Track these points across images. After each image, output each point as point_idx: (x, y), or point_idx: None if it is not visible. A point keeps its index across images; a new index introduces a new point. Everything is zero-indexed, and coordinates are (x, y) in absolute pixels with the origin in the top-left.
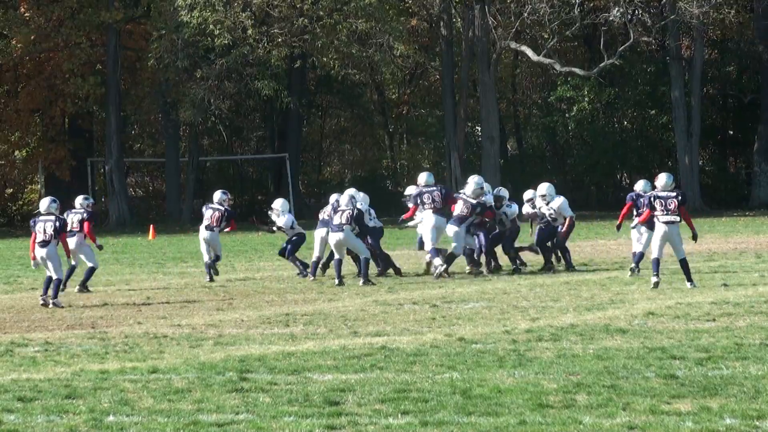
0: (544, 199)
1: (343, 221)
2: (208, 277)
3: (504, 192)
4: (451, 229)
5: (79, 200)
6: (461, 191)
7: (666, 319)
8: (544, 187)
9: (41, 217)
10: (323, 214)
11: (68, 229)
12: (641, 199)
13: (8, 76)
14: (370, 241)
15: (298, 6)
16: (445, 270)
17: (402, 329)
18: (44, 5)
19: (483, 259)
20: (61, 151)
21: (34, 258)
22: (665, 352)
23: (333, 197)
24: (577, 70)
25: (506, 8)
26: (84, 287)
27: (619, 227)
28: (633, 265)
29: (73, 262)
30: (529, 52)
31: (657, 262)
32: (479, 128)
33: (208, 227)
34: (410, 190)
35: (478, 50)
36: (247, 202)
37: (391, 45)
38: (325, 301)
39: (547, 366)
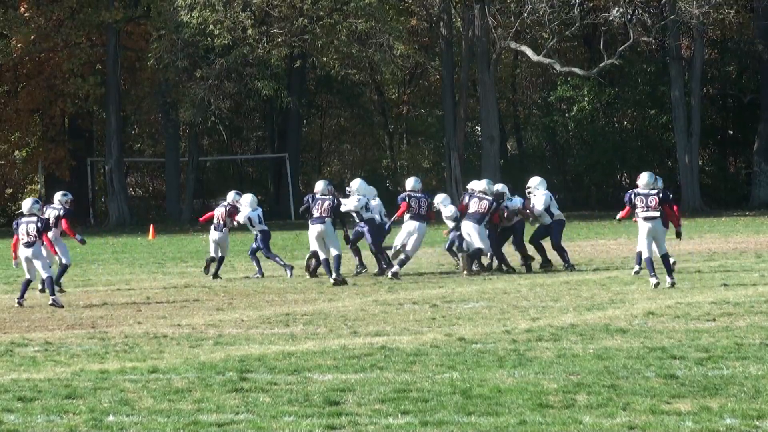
0: (529, 193)
1: (324, 213)
2: (206, 269)
3: (503, 188)
4: (468, 226)
5: (57, 196)
6: (471, 190)
7: (666, 319)
8: (534, 181)
9: (24, 219)
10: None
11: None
12: (639, 197)
13: (8, 76)
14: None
15: (297, 6)
16: (477, 268)
17: (402, 329)
18: (44, 5)
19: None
20: (60, 151)
21: (16, 258)
22: (665, 352)
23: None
24: (576, 70)
25: (506, 8)
26: (57, 284)
27: (620, 221)
28: (636, 266)
29: (64, 261)
30: (529, 52)
31: (650, 262)
32: (479, 128)
33: (216, 227)
34: (438, 199)
35: (477, 50)
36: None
37: (390, 45)
38: (325, 301)
39: (547, 366)
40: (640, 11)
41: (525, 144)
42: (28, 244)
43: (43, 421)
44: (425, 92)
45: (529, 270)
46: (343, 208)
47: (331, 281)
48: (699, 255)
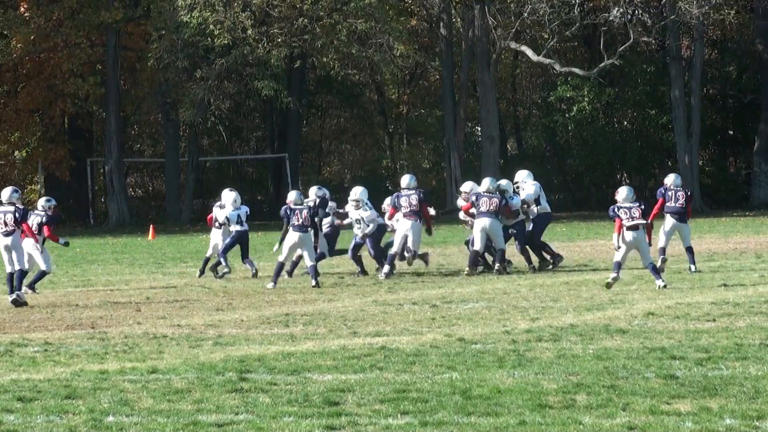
0: (517, 187)
1: (305, 222)
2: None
3: (507, 184)
4: (483, 223)
5: (41, 202)
6: (471, 191)
7: (666, 320)
8: (521, 174)
9: (1, 208)
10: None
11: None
12: (670, 192)
13: (8, 76)
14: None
15: (297, 6)
16: (505, 267)
17: (402, 329)
18: (44, 5)
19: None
20: (60, 151)
21: None
22: (665, 353)
23: (313, 191)
24: (576, 70)
25: (506, 8)
26: (32, 287)
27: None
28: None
29: (44, 267)
30: (529, 52)
31: (618, 265)
32: (479, 128)
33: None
34: (466, 187)
35: (477, 50)
36: (246, 202)
37: (390, 45)
38: (324, 301)
39: (547, 366)
40: (640, 11)
41: (525, 144)
42: (7, 233)
43: (43, 422)
44: (425, 92)
45: (535, 270)
46: (367, 230)
47: (312, 285)
48: (699, 255)
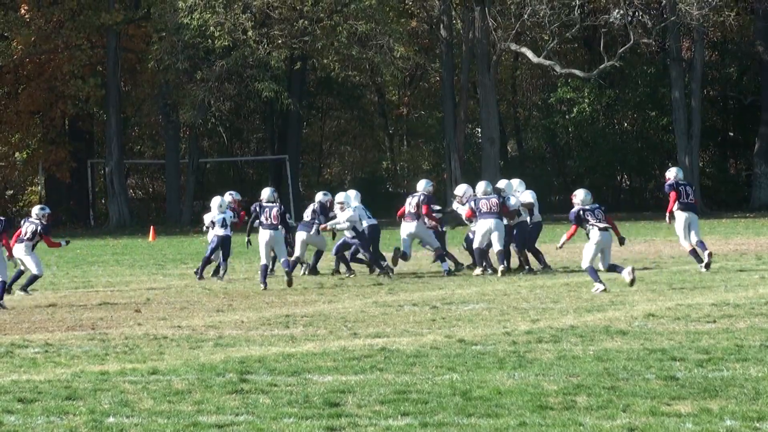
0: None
1: (274, 220)
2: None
3: (507, 185)
4: (488, 224)
5: (35, 210)
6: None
7: (666, 321)
8: (514, 183)
9: None
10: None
11: (22, 237)
12: (681, 187)
13: (8, 77)
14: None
15: (298, 8)
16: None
17: (402, 331)
18: (44, 7)
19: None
20: (61, 152)
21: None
22: (665, 354)
23: (318, 196)
24: (577, 72)
25: (506, 10)
26: (25, 289)
27: (670, 218)
28: (704, 263)
29: (36, 271)
30: (529, 54)
31: (592, 270)
32: (479, 130)
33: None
34: (459, 191)
35: (478, 52)
36: (247, 204)
37: (391, 47)
38: (325, 302)
39: (548, 367)
40: (641, 13)
41: (525, 146)
42: None
43: (44, 423)
44: (425, 94)
45: (531, 271)
46: (337, 226)
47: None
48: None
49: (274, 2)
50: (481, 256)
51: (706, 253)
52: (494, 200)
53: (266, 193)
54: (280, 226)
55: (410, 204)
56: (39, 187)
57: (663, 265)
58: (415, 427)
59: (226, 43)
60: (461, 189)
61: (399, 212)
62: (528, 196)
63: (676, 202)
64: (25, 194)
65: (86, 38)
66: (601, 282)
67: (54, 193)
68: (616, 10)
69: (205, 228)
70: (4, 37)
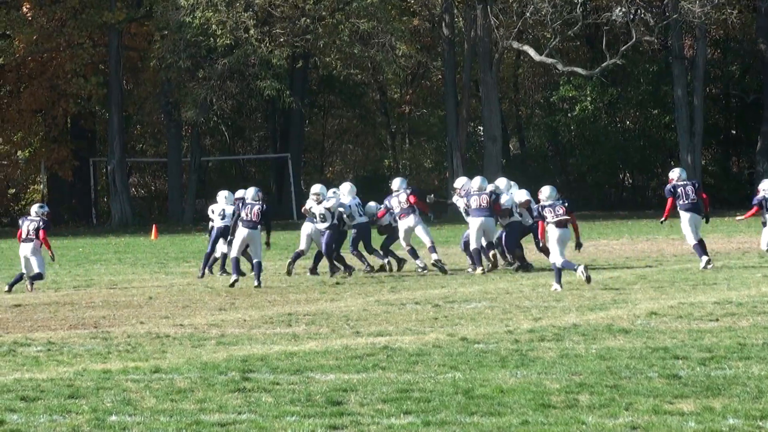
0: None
1: (254, 218)
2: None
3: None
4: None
5: (34, 208)
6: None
7: (669, 319)
8: (501, 182)
9: None
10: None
11: (25, 236)
12: (680, 188)
13: (11, 76)
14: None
15: (300, 6)
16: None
17: (404, 329)
18: (47, 5)
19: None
20: (63, 151)
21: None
22: (668, 352)
23: (314, 188)
24: (579, 70)
25: (508, 8)
26: (31, 284)
27: (663, 222)
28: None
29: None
30: (532, 52)
31: (559, 272)
32: (481, 128)
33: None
34: (459, 183)
35: (480, 50)
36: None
37: (393, 45)
38: (327, 300)
39: (550, 366)
40: (643, 11)
41: (527, 144)
42: None
43: (46, 421)
44: (427, 92)
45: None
46: (319, 212)
47: (255, 285)
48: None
49: (276, 0)
50: (479, 254)
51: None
52: (485, 197)
53: (250, 192)
54: (259, 226)
55: (400, 202)
56: (41, 186)
57: (665, 263)
58: (417, 425)
59: (228, 42)
60: (461, 182)
61: (380, 214)
62: (523, 195)
63: (677, 204)
64: (28, 193)
65: (88, 37)
66: (560, 284)
67: (56, 192)
68: (618, 8)
69: (211, 225)
70: (6, 35)
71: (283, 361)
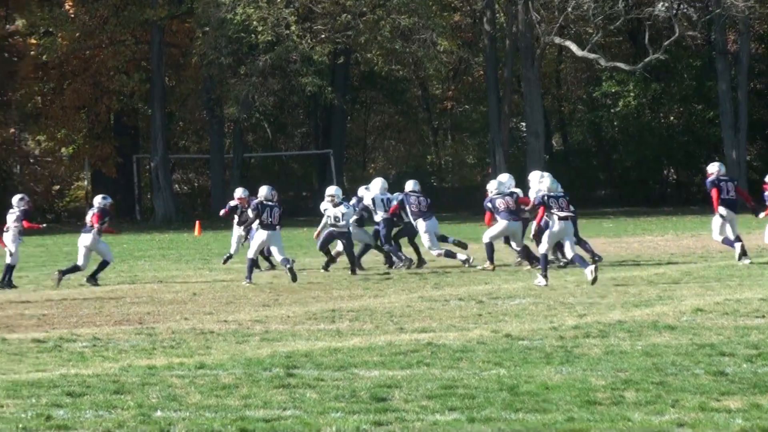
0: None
1: (275, 221)
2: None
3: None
4: (504, 224)
5: (97, 199)
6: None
7: (715, 316)
8: (503, 176)
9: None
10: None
11: (90, 226)
12: (722, 183)
13: (54, 73)
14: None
15: (341, 2)
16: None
17: (448, 325)
18: (89, 3)
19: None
20: (106, 147)
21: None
22: (714, 349)
23: (329, 189)
24: (622, 65)
25: (550, 3)
26: (94, 278)
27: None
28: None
29: (107, 258)
30: (574, 48)
31: (545, 258)
32: (524, 124)
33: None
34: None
35: (521, 45)
36: (291, 199)
37: (434, 41)
38: (371, 297)
39: (595, 363)
40: (686, 6)
41: (570, 140)
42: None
43: (92, 417)
44: (469, 88)
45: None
46: (333, 215)
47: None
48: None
49: None
50: (526, 252)
51: (738, 245)
52: (509, 199)
53: (264, 191)
54: (278, 227)
55: (420, 203)
56: (85, 182)
57: (711, 259)
58: (462, 422)
59: (270, 38)
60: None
61: (391, 210)
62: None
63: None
64: (71, 189)
65: (130, 34)
66: (546, 277)
67: (100, 188)
68: (661, 3)
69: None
70: (49, 33)
71: (327, 357)
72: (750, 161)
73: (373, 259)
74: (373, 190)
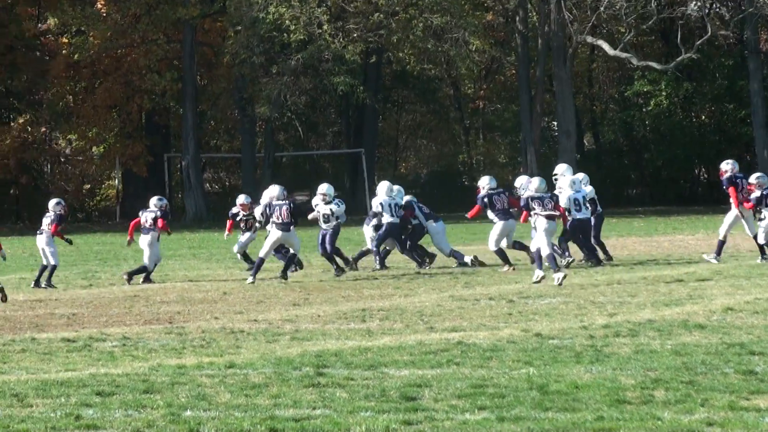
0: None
1: (285, 219)
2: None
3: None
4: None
5: (153, 201)
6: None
7: (745, 315)
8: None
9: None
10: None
11: (144, 226)
12: (739, 180)
13: (85, 72)
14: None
15: (373, 1)
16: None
17: (478, 324)
18: (121, 2)
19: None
20: (138, 146)
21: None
22: (744, 348)
23: (321, 188)
24: (654, 65)
25: (582, 2)
26: (130, 277)
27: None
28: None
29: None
30: (606, 47)
31: (552, 257)
32: (555, 123)
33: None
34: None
35: (553, 45)
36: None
37: (466, 40)
38: (401, 296)
39: (625, 362)
40: (718, 5)
41: (602, 139)
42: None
43: (121, 416)
44: (501, 87)
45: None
46: (324, 212)
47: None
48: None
49: None
50: (502, 254)
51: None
52: (503, 197)
53: (275, 190)
54: (291, 226)
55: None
56: (116, 182)
57: (741, 258)
58: (491, 421)
59: (302, 37)
60: (521, 180)
61: (406, 214)
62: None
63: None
64: (102, 188)
65: (162, 33)
66: (542, 269)
67: (131, 188)
68: (693, 2)
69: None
70: (81, 32)
71: (357, 356)
72: None
73: (403, 258)
74: (379, 194)
